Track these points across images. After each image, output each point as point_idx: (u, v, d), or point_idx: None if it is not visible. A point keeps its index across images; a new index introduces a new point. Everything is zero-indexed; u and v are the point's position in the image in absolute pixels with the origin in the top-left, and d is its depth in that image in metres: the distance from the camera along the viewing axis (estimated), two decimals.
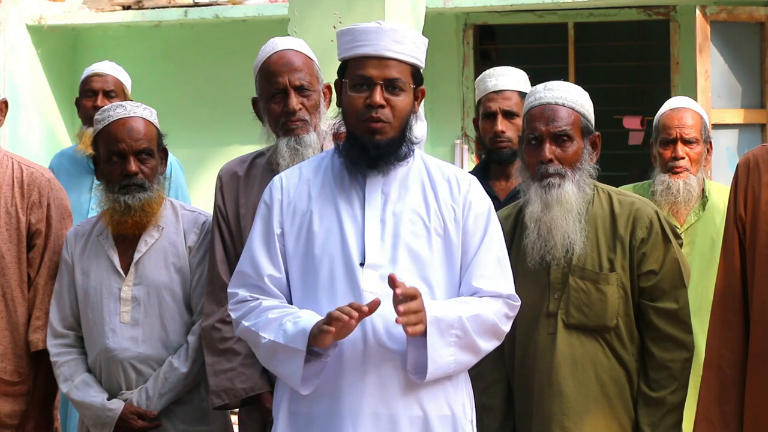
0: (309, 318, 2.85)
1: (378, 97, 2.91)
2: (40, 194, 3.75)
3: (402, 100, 2.95)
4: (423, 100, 3.06)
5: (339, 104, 3.03)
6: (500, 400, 3.40)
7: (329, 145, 3.69)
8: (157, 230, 3.61)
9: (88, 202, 4.72)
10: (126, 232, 3.58)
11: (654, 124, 4.30)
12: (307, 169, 3.06)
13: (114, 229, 3.59)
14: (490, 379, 3.39)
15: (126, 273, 3.59)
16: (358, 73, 2.93)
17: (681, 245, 3.40)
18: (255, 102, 3.62)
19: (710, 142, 4.29)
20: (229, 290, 3.03)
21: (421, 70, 3.02)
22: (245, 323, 2.94)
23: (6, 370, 3.69)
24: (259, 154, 3.62)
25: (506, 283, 3.00)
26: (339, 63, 3.03)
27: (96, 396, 3.56)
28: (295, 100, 3.48)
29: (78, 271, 3.64)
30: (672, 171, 4.16)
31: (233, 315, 3.00)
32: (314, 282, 2.94)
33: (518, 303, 3.02)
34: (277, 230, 2.98)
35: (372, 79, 2.92)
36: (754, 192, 3.12)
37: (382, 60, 2.92)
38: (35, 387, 3.75)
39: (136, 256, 3.59)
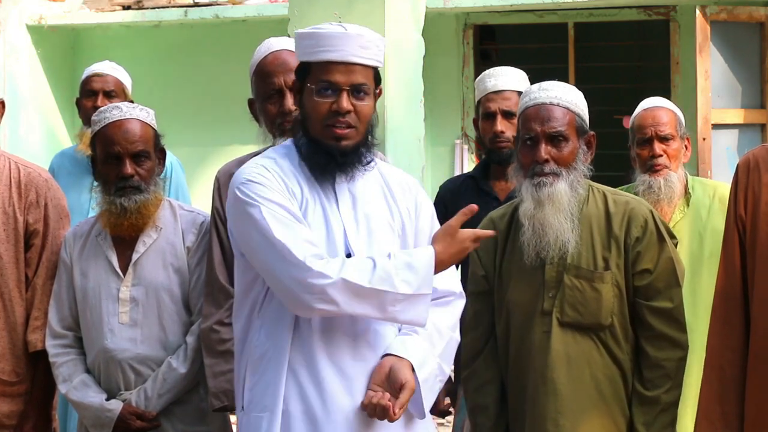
0: (417, 259, 2.83)
1: (345, 103, 2.89)
2: (38, 194, 3.75)
3: (367, 105, 2.93)
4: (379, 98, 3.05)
5: (298, 106, 3.00)
6: (494, 399, 3.40)
7: None
8: (156, 231, 3.61)
9: (88, 202, 4.72)
10: (122, 234, 3.58)
11: (630, 127, 4.30)
12: (281, 160, 2.98)
13: (111, 230, 3.59)
14: (483, 378, 3.39)
15: (124, 273, 3.59)
16: (324, 79, 2.90)
17: (676, 245, 3.40)
18: (251, 103, 3.62)
19: (688, 138, 4.28)
20: (293, 251, 2.79)
21: (380, 69, 3.01)
22: (349, 277, 2.77)
23: (4, 370, 3.69)
24: (255, 155, 3.62)
25: (455, 280, 3.07)
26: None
27: (95, 396, 3.56)
28: (290, 101, 3.47)
29: (77, 272, 3.64)
30: (651, 170, 4.16)
31: (316, 266, 2.77)
32: None
33: (464, 299, 3.09)
34: (295, 201, 2.89)
35: (338, 85, 2.89)
36: (754, 192, 3.12)
37: (348, 65, 2.90)
38: (34, 387, 3.75)
39: (135, 256, 3.59)
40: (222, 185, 3.58)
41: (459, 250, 2.89)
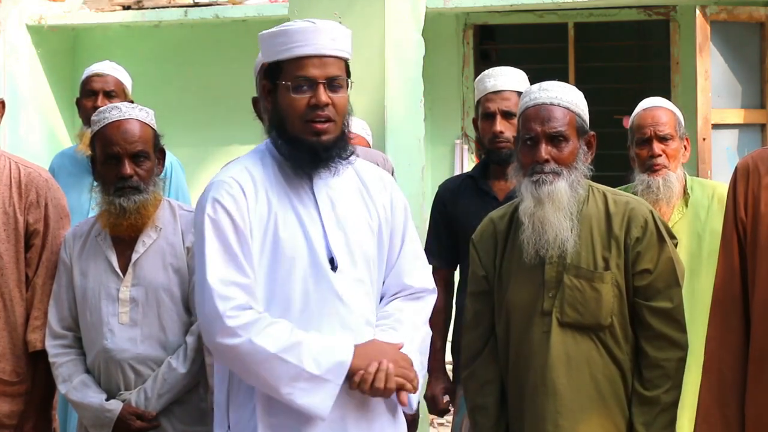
0: (337, 345, 2.84)
1: (323, 96, 2.89)
2: (38, 194, 3.75)
3: (342, 97, 2.94)
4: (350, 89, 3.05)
5: (270, 107, 2.98)
6: (494, 400, 3.40)
7: None
8: (155, 231, 3.61)
9: (88, 202, 4.72)
10: (122, 234, 3.58)
11: (629, 127, 4.30)
12: (254, 169, 2.97)
13: (110, 230, 3.59)
14: (483, 378, 3.39)
15: (124, 274, 3.59)
16: (300, 74, 2.90)
17: (676, 245, 3.40)
18: (255, 102, 3.62)
19: (687, 139, 4.28)
20: (219, 291, 2.84)
21: (348, 62, 3.01)
22: (257, 341, 2.79)
23: (4, 370, 3.69)
24: None
25: (428, 276, 3.12)
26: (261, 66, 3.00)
27: (94, 396, 3.56)
28: None
29: (76, 272, 3.64)
30: (650, 170, 4.16)
31: (231, 322, 2.81)
32: (284, 288, 2.90)
33: (435, 295, 3.13)
34: (248, 234, 2.88)
35: (315, 79, 2.89)
36: (754, 194, 3.11)
37: (321, 59, 2.90)
38: (34, 387, 3.75)
39: (134, 256, 3.59)
40: None
41: (377, 351, 2.86)
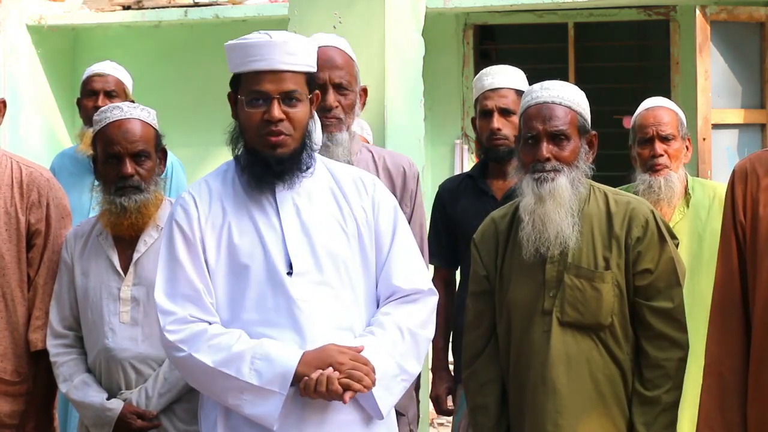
0: (282, 353, 2.83)
1: (276, 111, 2.90)
2: (40, 194, 3.76)
3: (300, 111, 2.94)
4: (317, 104, 3.06)
5: (235, 117, 3.00)
6: (494, 399, 3.40)
7: (356, 147, 3.71)
8: (157, 230, 3.62)
9: (89, 202, 4.72)
10: (122, 233, 3.58)
11: (631, 126, 4.30)
12: (214, 182, 3.03)
13: (111, 230, 3.60)
14: (484, 378, 3.39)
15: (125, 273, 3.59)
16: (254, 89, 2.91)
17: (677, 245, 3.40)
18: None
19: (689, 139, 4.28)
20: (161, 306, 2.93)
21: (313, 74, 3.00)
22: (196, 356, 2.85)
23: (6, 369, 3.69)
24: None
25: (422, 277, 3.05)
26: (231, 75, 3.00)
27: (95, 396, 3.56)
28: (332, 97, 3.50)
29: (77, 272, 3.64)
30: (652, 169, 4.16)
31: (172, 336, 2.88)
32: (241, 295, 2.92)
33: (437, 295, 3.07)
34: (198, 245, 2.93)
35: (268, 94, 2.90)
36: (752, 196, 3.11)
37: (276, 73, 2.90)
38: (35, 387, 3.75)
39: (136, 256, 3.60)
40: None
41: (326, 356, 2.83)
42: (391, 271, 3.00)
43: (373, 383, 2.83)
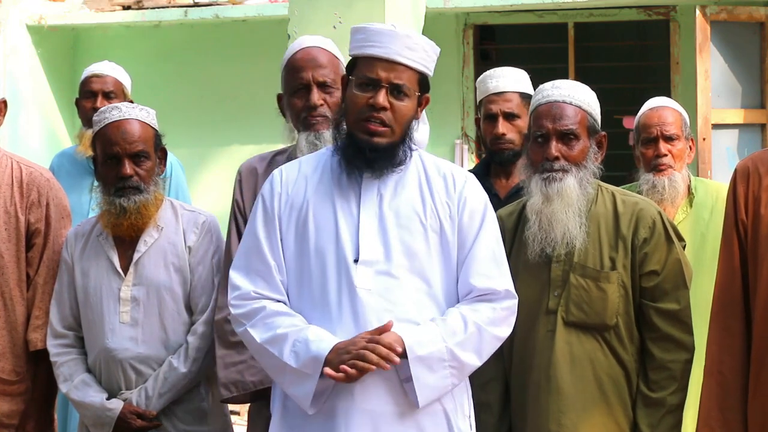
0: (320, 339, 2.85)
1: (382, 98, 2.91)
2: (39, 194, 3.76)
3: (405, 105, 2.94)
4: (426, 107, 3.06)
5: (343, 100, 3.04)
6: (498, 397, 3.40)
7: None
8: (157, 230, 3.62)
9: (88, 203, 4.72)
10: (122, 234, 3.58)
11: (635, 126, 4.31)
12: (306, 164, 3.06)
13: (111, 230, 3.60)
14: (487, 375, 3.39)
15: (125, 273, 3.59)
16: (366, 74, 2.94)
17: (684, 246, 3.40)
18: (279, 98, 3.65)
19: (692, 139, 4.28)
20: (231, 280, 3.00)
21: (429, 78, 3.02)
22: (250, 330, 2.93)
23: (4, 369, 3.70)
24: (280, 152, 3.65)
25: (501, 279, 3.01)
26: (349, 59, 3.02)
27: (95, 396, 3.56)
28: (317, 95, 3.51)
29: (78, 272, 3.64)
30: (656, 169, 4.17)
31: (234, 311, 2.98)
32: (308, 277, 2.95)
33: (515, 299, 3.03)
34: (276, 221, 2.99)
35: (378, 81, 2.92)
36: (754, 196, 3.11)
37: (391, 63, 2.93)
38: (35, 387, 3.76)
39: (136, 256, 3.60)
40: (243, 178, 3.61)
41: (352, 345, 2.83)
42: (470, 269, 2.98)
43: (393, 362, 2.80)
